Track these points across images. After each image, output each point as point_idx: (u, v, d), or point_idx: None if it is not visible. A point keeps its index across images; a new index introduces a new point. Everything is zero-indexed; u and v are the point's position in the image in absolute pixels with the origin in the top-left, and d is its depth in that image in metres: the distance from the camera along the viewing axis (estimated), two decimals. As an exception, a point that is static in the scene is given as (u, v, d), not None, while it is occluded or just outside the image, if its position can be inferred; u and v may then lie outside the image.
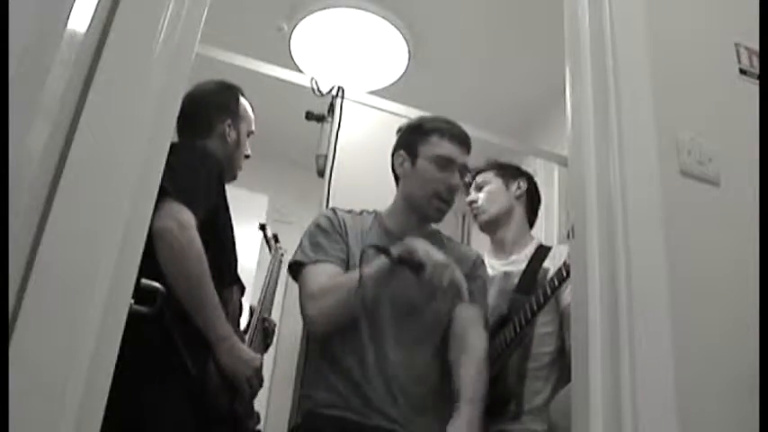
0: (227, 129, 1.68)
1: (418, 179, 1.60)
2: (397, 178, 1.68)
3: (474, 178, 2.04)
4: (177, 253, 1.34)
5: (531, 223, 2.02)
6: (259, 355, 1.51)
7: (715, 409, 1.13)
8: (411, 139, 1.66)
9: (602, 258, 1.18)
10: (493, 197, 1.98)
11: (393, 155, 1.68)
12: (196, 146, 1.61)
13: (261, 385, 1.49)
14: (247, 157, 1.76)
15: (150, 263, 1.12)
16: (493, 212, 1.96)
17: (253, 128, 1.77)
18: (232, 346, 1.42)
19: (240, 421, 1.49)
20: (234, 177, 1.73)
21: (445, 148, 1.60)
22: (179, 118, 1.65)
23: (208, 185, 1.48)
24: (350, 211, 1.67)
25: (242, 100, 1.76)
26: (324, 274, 1.51)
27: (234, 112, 1.71)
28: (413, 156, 1.63)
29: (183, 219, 1.35)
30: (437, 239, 1.64)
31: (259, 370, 1.48)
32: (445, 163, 1.59)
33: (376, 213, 1.68)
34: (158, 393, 1.30)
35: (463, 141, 1.63)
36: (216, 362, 1.40)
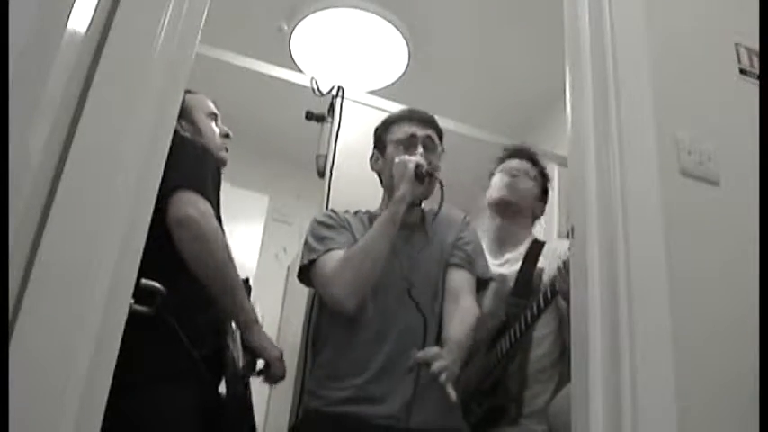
0: (180, 128, 1.65)
1: (389, 165, 1.65)
2: (380, 178, 1.74)
3: (505, 160, 2.00)
4: (204, 240, 1.35)
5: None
6: None
7: (715, 409, 1.13)
8: (378, 136, 1.75)
9: (602, 258, 1.18)
10: (528, 194, 1.94)
11: (369, 160, 1.75)
12: (195, 143, 1.61)
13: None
14: (227, 136, 1.73)
15: (158, 255, 1.12)
16: (518, 205, 1.93)
17: (210, 109, 1.73)
18: (261, 329, 1.46)
19: (251, 408, 1.50)
20: (223, 162, 1.70)
21: (404, 130, 1.68)
22: None
23: (213, 181, 1.48)
24: (347, 212, 1.70)
25: (185, 96, 1.71)
26: (336, 258, 1.52)
27: (181, 115, 1.68)
28: (381, 149, 1.71)
29: (204, 207, 1.37)
30: (421, 224, 1.67)
31: (282, 353, 1.51)
32: (407, 142, 1.65)
33: (369, 213, 1.70)
34: (170, 393, 1.30)
35: (422, 120, 1.70)
36: (249, 344, 1.44)
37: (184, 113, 1.68)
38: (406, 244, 1.59)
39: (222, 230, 1.47)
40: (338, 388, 1.46)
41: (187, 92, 1.71)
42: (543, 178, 2.01)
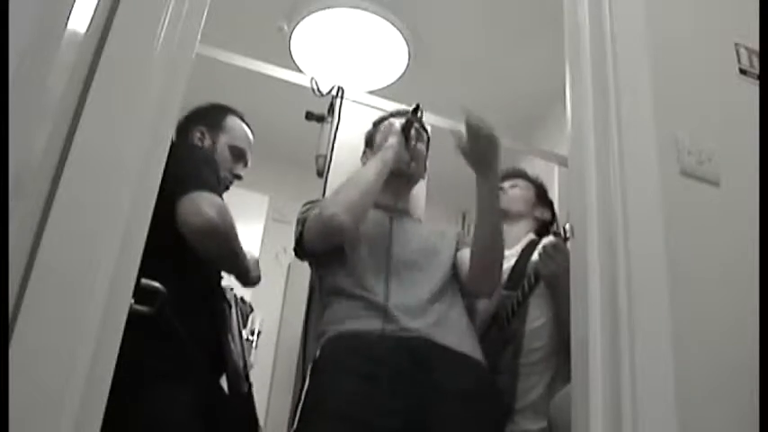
0: (199, 135, 1.66)
1: (377, 152, 1.70)
2: None
3: (508, 179, 2.05)
4: (226, 241, 1.38)
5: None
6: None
7: (715, 408, 1.13)
8: (368, 137, 1.82)
9: (602, 258, 1.18)
10: (517, 199, 2.00)
11: (361, 159, 1.80)
12: (201, 147, 1.62)
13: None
14: (238, 177, 1.72)
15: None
16: (510, 210, 1.96)
17: (238, 144, 1.70)
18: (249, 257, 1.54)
19: (253, 405, 1.50)
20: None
21: (389, 124, 1.75)
22: (178, 125, 1.69)
23: (218, 185, 1.48)
24: None
25: (231, 117, 1.73)
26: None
27: (210, 124, 1.69)
28: (371, 146, 1.78)
29: (220, 203, 1.37)
30: (406, 213, 1.71)
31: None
32: (392, 129, 1.71)
33: None
34: (170, 391, 1.29)
35: (399, 112, 1.79)
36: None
37: (217, 130, 1.69)
38: (390, 222, 1.61)
39: None
40: (353, 306, 1.45)
41: (238, 116, 1.74)
42: (535, 185, 2.05)
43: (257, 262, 1.59)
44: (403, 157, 1.63)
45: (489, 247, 1.48)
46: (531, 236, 1.96)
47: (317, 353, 1.44)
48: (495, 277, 1.55)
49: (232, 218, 1.39)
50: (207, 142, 1.66)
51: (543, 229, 2.00)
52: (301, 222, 1.57)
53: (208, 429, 1.34)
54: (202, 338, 1.38)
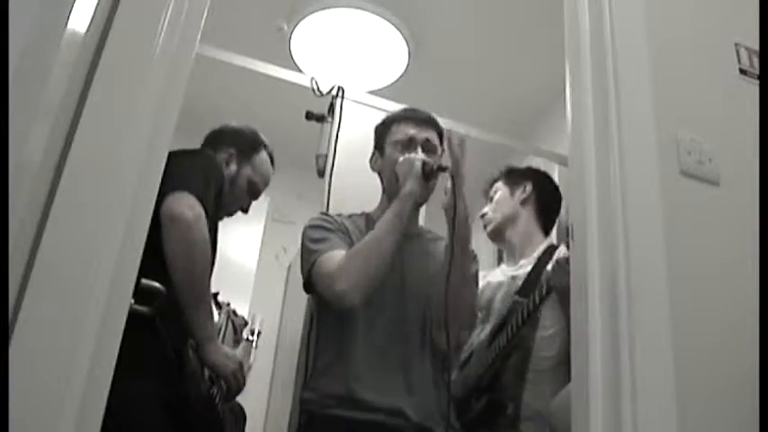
0: (227, 157, 1.68)
1: (387, 166, 1.64)
2: (380, 179, 1.72)
3: (490, 188, 2.06)
4: (188, 243, 1.34)
5: (546, 225, 1.99)
6: (237, 351, 1.53)
7: (715, 409, 1.13)
8: (377, 136, 1.73)
9: (602, 258, 1.18)
10: (498, 206, 2.00)
11: (370, 160, 1.74)
12: (215, 159, 1.62)
13: (245, 380, 1.51)
14: (244, 210, 1.75)
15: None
16: (497, 221, 1.98)
17: (257, 181, 1.74)
18: (216, 345, 1.45)
19: (216, 406, 1.49)
20: (219, 217, 1.66)
21: (402, 131, 1.65)
22: (211, 134, 1.71)
23: (215, 202, 1.48)
24: (340, 215, 1.67)
25: (262, 153, 1.76)
26: (338, 256, 1.47)
27: (241, 150, 1.71)
28: (381, 149, 1.70)
29: (199, 212, 1.36)
30: (416, 236, 1.66)
31: (242, 365, 1.50)
32: (407, 143, 1.63)
33: (365, 214, 1.68)
34: (140, 383, 1.28)
35: (421, 120, 1.67)
36: (204, 362, 1.42)
37: (245, 161, 1.71)
38: (398, 252, 1.53)
39: (215, 245, 1.45)
40: (334, 388, 1.43)
41: (267, 151, 1.75)
42: (517, 183, 2.02)
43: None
44: (420, 199, 1.56)
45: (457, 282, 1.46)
46: (549, 241, 1.94)
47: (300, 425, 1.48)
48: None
49: (206, 232, 1.36)
50: (232, 167, 1.69)
51: (539, 187, 2.01)
52: (310, 262, 1.50)
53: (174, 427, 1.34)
54: (183, 338, 1.38)
